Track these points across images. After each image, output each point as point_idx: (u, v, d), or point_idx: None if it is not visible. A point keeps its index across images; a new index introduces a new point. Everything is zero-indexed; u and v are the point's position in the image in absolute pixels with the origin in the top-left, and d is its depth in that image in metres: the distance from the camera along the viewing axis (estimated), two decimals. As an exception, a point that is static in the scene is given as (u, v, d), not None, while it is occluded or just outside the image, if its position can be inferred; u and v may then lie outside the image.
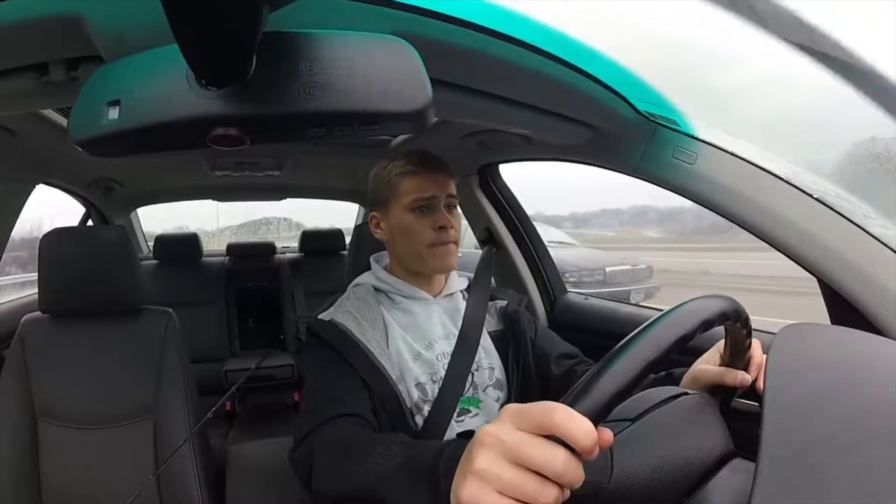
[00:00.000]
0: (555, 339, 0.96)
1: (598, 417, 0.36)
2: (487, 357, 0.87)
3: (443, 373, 0.82)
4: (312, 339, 0.83)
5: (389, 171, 0.87)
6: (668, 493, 0.45)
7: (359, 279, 0.92)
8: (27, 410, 1.03)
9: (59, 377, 1.05)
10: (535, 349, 0.92)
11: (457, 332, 0.85)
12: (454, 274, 0.94)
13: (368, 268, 0.94)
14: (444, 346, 0.84)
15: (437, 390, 0.81)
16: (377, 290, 0.89)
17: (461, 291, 0.93)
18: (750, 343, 0.56)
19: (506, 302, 0.94)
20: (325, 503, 0.66)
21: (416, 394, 0.80)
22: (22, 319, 1.10)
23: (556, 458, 0.33)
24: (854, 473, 0.37)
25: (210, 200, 2.49)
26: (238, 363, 1.99)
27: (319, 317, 0.85)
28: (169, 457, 0.96)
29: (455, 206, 0.88)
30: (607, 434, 0.36)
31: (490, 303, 0.93)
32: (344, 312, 0.83)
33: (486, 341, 0.88)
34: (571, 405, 0.36)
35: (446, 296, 0.90)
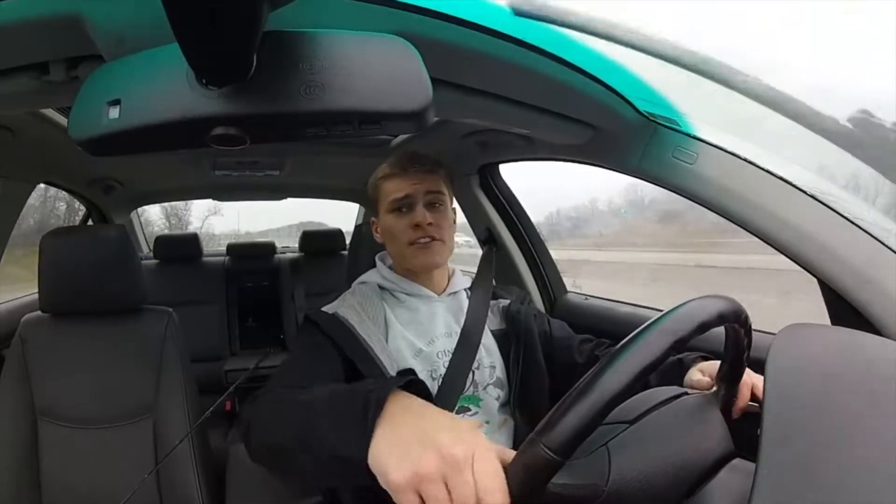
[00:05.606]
0: (569, 329, 0.97)
1: (575, 445, 0.39)
2: (489, 356, 0.87)
3: (443, 370, 0.82)
4: (310, 326, 0.83)
5: (375, 176, 0.89)
6: (666, 495, 0.44)
7: (364, 276, 0.93)
8: (27, 410, 1.03)
9: (59, 377, 1.05)
10: (555, 342, 0.92)
11: (459, 330, 0.86)
12: (458, 272, 0.95)
13: (369, 267, 0.94)
14: (446, 344, 0.85)
15: (436, 388, 0.81)
16: (381, 287, 0.89)
17: (465, 290, 0.93)
18: (749, 343, 0.56)
19: (508, 301, 0.94)
20: (262, 452, 0.63)
21: None
22: (22, 319, 1.10)
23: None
24: (854, 473, 0.37)
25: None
26: (238, 363, 1.99)
27: (323, 309, 0.85)
28: (167, 455, 0.96)
29: (440, 203, 0.87)
30: None
31: (493, 301, 0.93)
32: (347, 307, 0.84)
33: (487, 340, 0.88)
34: (548, 434, 0.39)
35: (450, 294, 0.91)
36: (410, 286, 0.88)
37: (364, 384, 0.55)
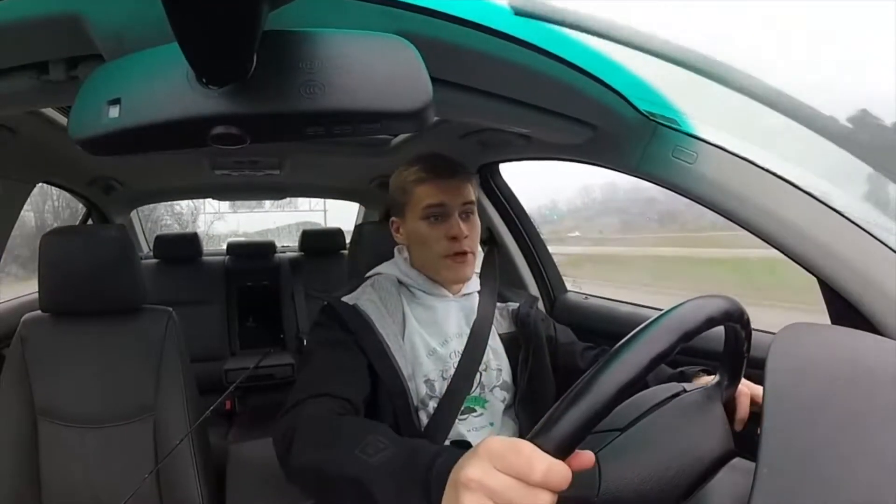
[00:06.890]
0: (573, 335, 0.99)
1: (575, 445, 0.38)
2: (496, 358, 0.87)
3: (453, 371, 0.82)
4: (327, 319, 0.83)
5: (405, 178, 0.86)
6: (661, 501, 0.44)
7: (382, 268, 0.92)
8: (27, 409, 1.03)
9: (59, 376, 1.05)
10: (559, 347, 0.94)
11: (468, 332, 0.86)
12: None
13: (369, 268, 0.94)
14: (457, 345, 0.85)
15: (445, 387, 0.81)
16: (399, 282, 0.89)
17: (476, 292, 0.93)
18: (749, 343, 0.56)
19: (517, 304, 0.94)
20: (302, 479, 0.63)
21: (423, 389, 0.80)
22: (22, 318, 1.10)
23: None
24: (854, 473, 0.37)
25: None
26: (238, 362, 1.99)
27: (343, 299, 0.84)
28: (167, 455, 0.96)
29: (472, 213, 0.86)
30: (587, 457, 0.39)
31: (501, 304, 0.93)
32: (367, 300, 0.83)
33: (495, 343, 0.88)
34: (544, 436, 0.38)
35: (464, 294, 0.91)
36: (429, 284, 0.87)
37: (421, 454, 0.52)
